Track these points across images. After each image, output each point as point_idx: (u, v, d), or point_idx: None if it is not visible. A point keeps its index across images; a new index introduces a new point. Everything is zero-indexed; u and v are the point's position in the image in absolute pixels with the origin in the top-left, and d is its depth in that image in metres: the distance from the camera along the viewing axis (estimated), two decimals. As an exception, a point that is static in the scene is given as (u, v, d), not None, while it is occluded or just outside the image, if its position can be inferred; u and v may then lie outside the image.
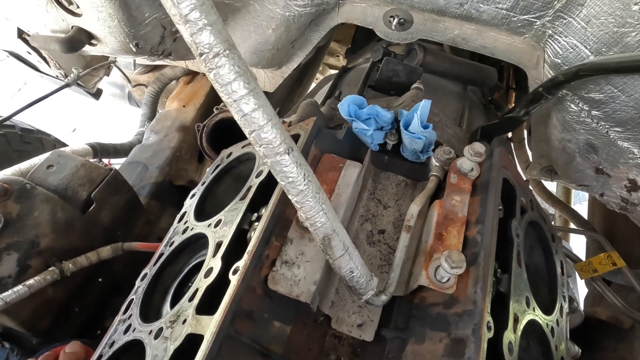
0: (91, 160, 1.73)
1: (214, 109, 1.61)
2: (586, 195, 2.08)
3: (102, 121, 5.43)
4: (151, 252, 1.06)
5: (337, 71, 1.71)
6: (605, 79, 0.95)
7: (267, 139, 0.56)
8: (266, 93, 2.03)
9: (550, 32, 1.01)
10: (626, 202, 1.16)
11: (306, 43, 1.40)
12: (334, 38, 2.56)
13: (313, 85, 2.56)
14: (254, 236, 0.78)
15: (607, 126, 1.04)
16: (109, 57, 1.94)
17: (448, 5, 1.04)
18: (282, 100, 2.28)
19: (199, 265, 0.88)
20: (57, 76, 1.93)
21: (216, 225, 0.90)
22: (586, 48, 0.95)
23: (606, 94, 0.97)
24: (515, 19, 1.01)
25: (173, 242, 1.00)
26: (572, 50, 0.98)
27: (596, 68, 0.88)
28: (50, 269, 1.13)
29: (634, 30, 0.85)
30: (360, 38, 2.03)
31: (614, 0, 0.85)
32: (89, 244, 1.25)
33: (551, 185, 2.57)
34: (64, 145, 2.07)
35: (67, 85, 1.69)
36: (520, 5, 0.98)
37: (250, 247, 0.76)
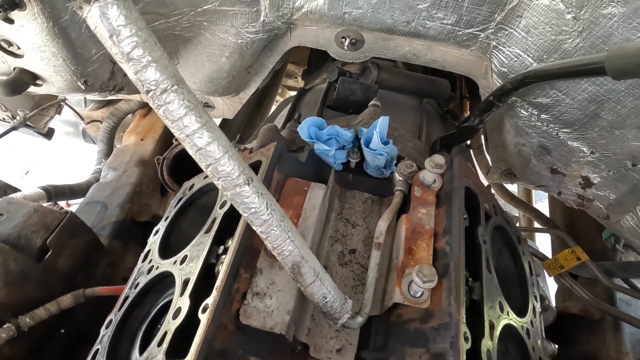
0: (45, 204, 1.65)
1: (174, 141, 1.57)
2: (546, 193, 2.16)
3: (57, 161, 5.22)
4: (116, 296, 1.01)
5: (296, 92, 1.72)
6: (550, 84, 0.99)
7: (224, 171, 0.55)
8: (226, 120, 2.01)
9: (494, 43, 1.05)
10: (582, 198, 1.21)
11: (262, 68, 1.41)
12: (290, 60, 2.59)
13: (273, 108, 2.56)
14: (222, 270, 0.76)
15: (556, 128, 1.09)
16: (58, 95, 1.87)
17: (396, 24, 1.07)
18: (242, 126, 2.26)
19: (167, 305, 0.84)
20: (4, 119, 1.84)
21: (182, 262, 0.87)
22: (529, 56, 0.99)
23: (552, 98, 1.02)
24: (460, 33, 1.05)
25: (138, 283, 0.96)
26: (516, 59, 1.02)
27: (540, 75, 0.92)
28: (5, 326, 1.05)
29: (570, 37, 0.90)
30: (315, 59, 2.05)
31: (549, 10, 0.90)
32: (47, 294, 1.17)
33: (512, 186, 2.66)
34: (16, 190, 1.95)
35: (13, 129, 1.61)
36: (463, 20, 1.02)
37: (218, 282, 0.74)
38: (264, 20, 1.15)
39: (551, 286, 1.87)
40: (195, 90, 1.43)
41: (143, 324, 0.92)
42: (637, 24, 0.81)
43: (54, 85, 1.17)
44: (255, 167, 0.96)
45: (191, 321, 0.72)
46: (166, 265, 0.91)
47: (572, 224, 1.94)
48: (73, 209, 1.59)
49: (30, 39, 1.01)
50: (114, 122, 2.16)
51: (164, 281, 0.93)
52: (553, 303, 1.73)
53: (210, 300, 0.72)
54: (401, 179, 1.00)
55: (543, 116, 1.08)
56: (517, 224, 2.49)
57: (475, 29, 1.03)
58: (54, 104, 1.88)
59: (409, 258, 0.85)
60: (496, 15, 0.99)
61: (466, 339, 0.72)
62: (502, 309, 0.86)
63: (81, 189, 1.87)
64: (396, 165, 1.03)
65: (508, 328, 0.86)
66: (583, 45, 0.89)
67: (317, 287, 0.69)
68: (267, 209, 0.60)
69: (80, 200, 1.80)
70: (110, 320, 0.93)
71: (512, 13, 0.97)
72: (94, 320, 1.27)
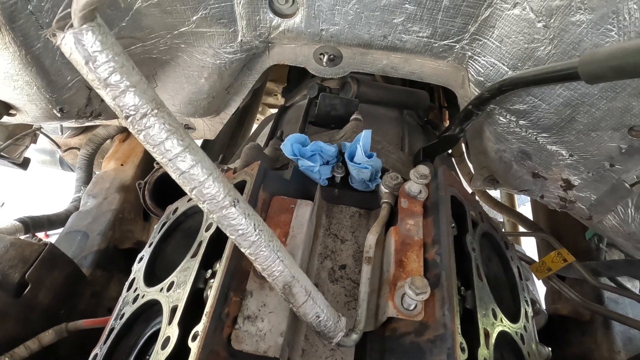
0: (23, 236, 1.59)
1: (155, 164, 1.55)
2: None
3: (34, 191, 5.08)
4: (101, 328, 0.97)
5: (277, 110, 1.72)
6: (526, 91, 1.02)
7: (210, 194, 0.54)
8: (208, 140, 1.98)
9: (469, 53, 1.07)
10: (564, 200, 1.23)
11: (241, 87, 1.40)
12: (269, 78, 2.60)
13: (255, 126, 2.56)
14: (211, 295, 0.74)
15: (534, 133, 1.11)
16: (33, 124, 1.83)
17: (372, 39, 1.09)
18: (225, 146, 2.25)
19: (155, 335, 0.81)
20: (-24, 151, 1.79)
21: (169, 289, 0.84)
22: (504, 65, 1.01)
23: (529, 104, 1.04)
24: (436, 45, 1.07)
25: (123, 313, 0.92)
26: (491, 68, 1.05)
27: (516, 82, 0.94)
28: (-17, 367, 1.00)
29: (542, 44, 0.92)
30: (294, 76, 2.07)
31: (521, 20, 0.92)
32: (28, 331, 1.12)
33: (495, 192, 2.70)
34: (-9, 223, 1.89)
35: (-13, 160, 1.56)
36: (438, 33, 1.04)
37: (208, 308, 0.72)
38: (241, 40, 1.15)
39: (540, 289, 1.89)
40: (175, 112, 1.42)
41: (130, 356, 0.88)
42: (605, 30, 0.84)
43: (29, 114, 1.14)
44: (240, 187, 0.95)
45: (181, 350, 0.70)
46: (152, 293, 0.88)
47: (556, 226, 1.97)
48: (52, 239, 1.54)
49: (2, 69, 0.98)
50: (92, 148, 2.12)
51: (151, 310, 0.90)
52: (543, 306, 1.75)
53: (200, 327, 0.69)
54: (387, 191, 1.00)
55: (521, 122, 1.10)
56: (503, 229, 2.52)
57: (450, 41, 1.05)
58: (28, 133, 1.83)
59: (400, 270, 0.84)
60: (470, 27, 1.01)
61: (463, 350, 0.71)
62: (495, 316, 0.86)
63: (60, 219, 1.81)
64: (381, 177, 1.03)
65: (503, 335, 0.86)
66: (555, 52, 0.92)
67: (309, 307, 0.67)
68: (255, 230, 0.59)
69: (60, 230, 1.75)
70: (96, 355, 0.89)
71: (485, 24, 0.99)
72: (78, 356, 1.22)
